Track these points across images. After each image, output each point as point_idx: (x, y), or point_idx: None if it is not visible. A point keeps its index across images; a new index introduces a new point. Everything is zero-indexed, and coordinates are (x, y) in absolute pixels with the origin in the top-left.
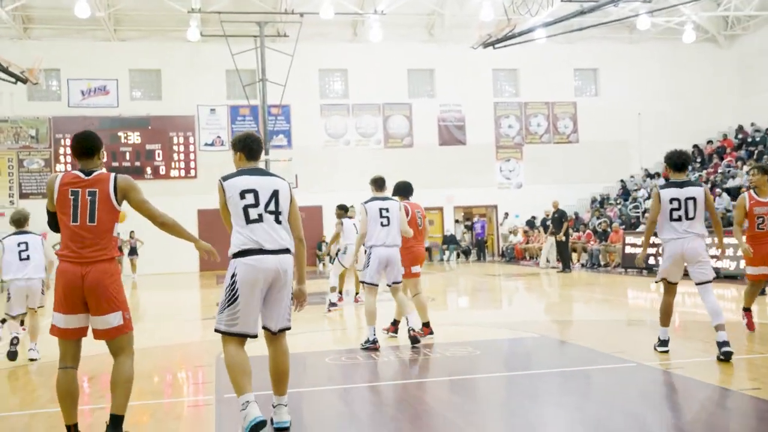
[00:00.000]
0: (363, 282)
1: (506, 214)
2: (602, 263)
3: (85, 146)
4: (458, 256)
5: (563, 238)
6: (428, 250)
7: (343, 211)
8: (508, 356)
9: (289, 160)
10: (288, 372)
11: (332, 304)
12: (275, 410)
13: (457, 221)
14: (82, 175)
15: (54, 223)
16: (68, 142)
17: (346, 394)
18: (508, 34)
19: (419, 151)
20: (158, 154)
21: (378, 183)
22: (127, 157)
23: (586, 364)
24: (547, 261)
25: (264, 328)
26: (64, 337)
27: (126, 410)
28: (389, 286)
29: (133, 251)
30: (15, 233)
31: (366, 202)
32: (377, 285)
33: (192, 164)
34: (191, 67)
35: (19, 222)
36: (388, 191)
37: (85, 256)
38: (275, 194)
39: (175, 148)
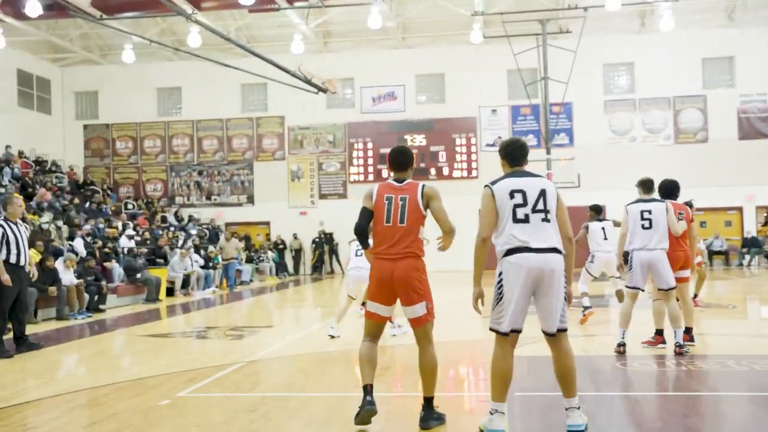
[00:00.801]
0: (627, 287)
1: None
2: None
3: (400, 160)
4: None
5: None
6: (724, 253)
7: (595, 212)
8: None
9: (571, 158)
10: (573, 374)
11: (586, 308)
12: (567, 413)
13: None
14: (395, 183)
15: (363, 220)
16: (360, 145)
17: (641, 401)
18: None
19: (715, 146)
20: (441, 155)
21: (645, 185)
22: None
23: None
24: None
25: (542, 331)
26: (373, 319)
27: (434, 390)
28: (660, 290)
29: None
30: None
31: (629, 204)
32: (640, 290)
33: (474, 164)
34: (473, 69)
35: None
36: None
37: (395, 253)
38: (542, 194)
39: (458, 149)
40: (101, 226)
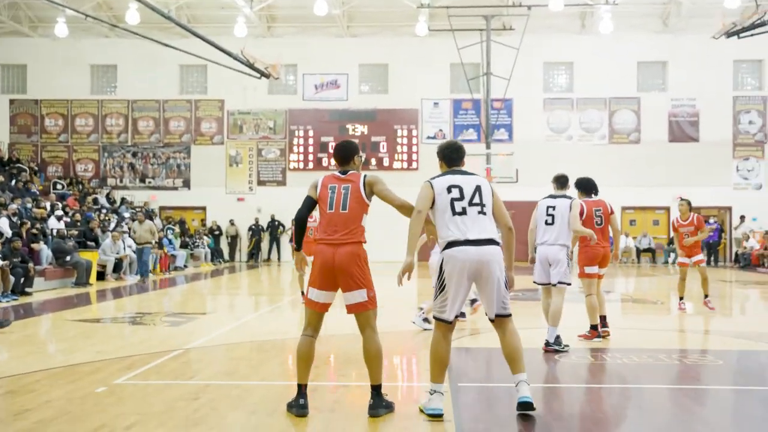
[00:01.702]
0: (534, 282)
1: (742, 218)
2: None
3: (342, 154)
4: None
5: None
6: (651, 251)
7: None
8: (755, 369)
9: (510, 154)
10: (519, 350)
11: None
12: (517, 388)
13: None
14: (339, 174)
15: (305, 208)
16: (301, 133)
17: (580, 394)
18: (756, 21)
19: (647, 147)
20: (383, 146)
21: (559, 181)
22: None
23: None
24: None
25: (488, 317)
26: (313, 308)
27: (381, 380)
28: (553, 286)
29: None
30: None
31: (541, 199)
32: (548, 284)
33: (414, 156)
34: (417, 61)
35: None
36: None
37: (337, 239)
38: (478, 189)
39: (399, 140)
40: (29, 206)
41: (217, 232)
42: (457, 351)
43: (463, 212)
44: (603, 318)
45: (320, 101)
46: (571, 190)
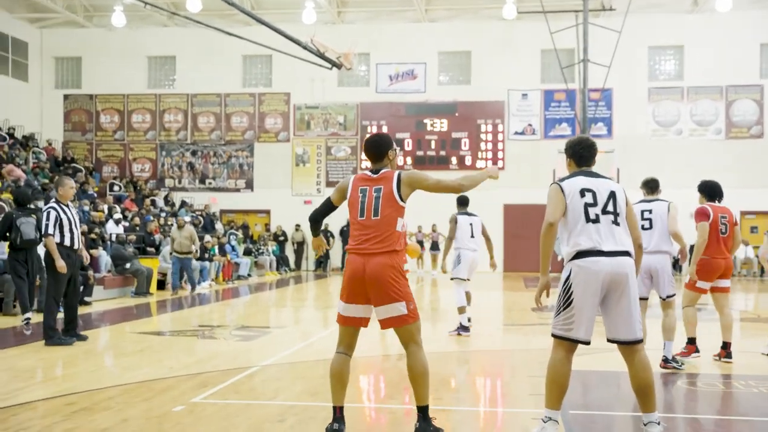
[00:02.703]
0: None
1: None
2: None
3: (374, 150)
4: None
5: None
6: None
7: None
8: None
9: (610, 151)
10: (650, 387)
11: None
12: (647, 429)
13: None
14: (370, 174)
15: (320, 211)
16: (374, 129)
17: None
18: None
19: None
20: (464, 143)
21: (648, 185)
22: (432, 146)
23: None
24: None
25: (612, 340)
26: (343, 323)
27: (428, 399)
28: (663, 300)
29: (434, 246)
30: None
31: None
32: (645, 299)
33: (500, 154)
34: (503, 47)
35: None
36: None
37: (368, 249)
38: (612, 195)
39: (483, 136)
40: (86, 208)
41: (282, 238)
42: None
43: (597, 220)
44: (727, 344)
45: (395, 93)
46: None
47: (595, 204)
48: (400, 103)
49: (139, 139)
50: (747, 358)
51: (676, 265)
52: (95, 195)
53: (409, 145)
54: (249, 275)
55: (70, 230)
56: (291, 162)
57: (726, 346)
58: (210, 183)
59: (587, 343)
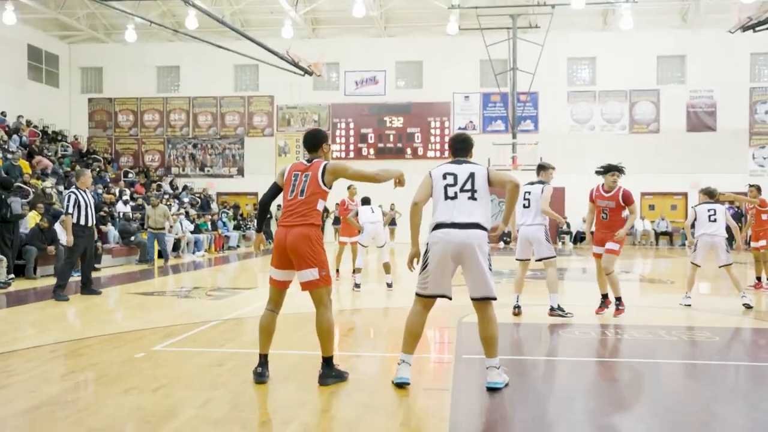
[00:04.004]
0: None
1: None
2: None
3: (308, 142)
4: None
5: None
6: (669, 234)
7: (707, 195)
8: (751, 345)
9: (536, 143)
10: (494, 337)
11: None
12: (487, 372)
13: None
14: (305, 162)
15: (269, 193)
16: (343, 125)
17: (575, 367)
18: None
19: (665, 136)
20: (417, 136)
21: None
22: (391, 139)
23: None
24: None
25: (471, 298)
26: (274, 285)
27: (332, 352)
28: (538, 261)
29: (392, 222)
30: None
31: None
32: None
33: (446, 146)
34: (449, 58)
35: None
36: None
37: (291, 222)
38: (471, 176)
39: (432, 131)
40: (99, 191)
41: (268, 216)
42: (469, 326)
43: (454, 197)
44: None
45: (360, 96)
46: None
47: (454, 184)
48: (365, 104)
49: (150, 135)
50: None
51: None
52: (108, 180)
53: (371, 139)
54: (238, 246)
55: (86, 212)
56: (275, 153)
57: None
58: (208, 170)
59: (434, 297)
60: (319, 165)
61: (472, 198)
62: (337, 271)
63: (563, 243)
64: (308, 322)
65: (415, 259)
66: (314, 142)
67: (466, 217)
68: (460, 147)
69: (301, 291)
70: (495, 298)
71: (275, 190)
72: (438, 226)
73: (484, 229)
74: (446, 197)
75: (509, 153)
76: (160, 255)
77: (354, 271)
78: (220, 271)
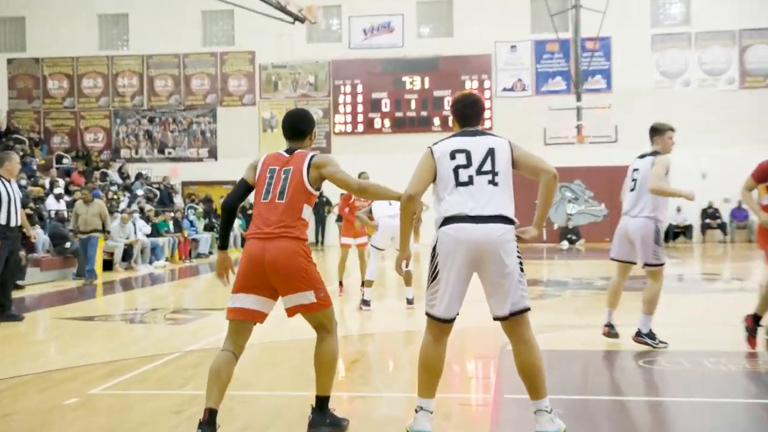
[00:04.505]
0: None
1: None
2: None
3: (291, 126)
4: None
5: None
6: None
7: None
8: None
9: (608, 107)
10: (538, 368)
11: None
12: (536, 418)
13: None
14: (284, 153)
15: (235, 194)
16: (348, 89)
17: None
18: None
19: None
20: (448, 101)
21: (653, 131)
22: (412, 106)
23: None
24: None
25: (495, 318)
26: (236, 316)
27: (329, 391)
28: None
29: None
30: None
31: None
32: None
33: (487, 114)
34: None
35: None
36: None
37: (269, 233)
38: (491, 153)
39: None
40: (24, 183)
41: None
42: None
43: (469, 182)
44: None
45: (370, 49)
46: None
47: (468, 165)
48: (376, 60)
49: (91, 107)
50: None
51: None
52: (35, 168)
53: (386, 106)
54: (210, 253)
55: (8, 208)
56: (258, 127)
57: None
58: (170, 153)
59: (446, 321)
60: (303, 157)
61: (493, 183)
62: (340, 284)
63: None
64: (292, 350)
65: (405, 262)
66: (299, 125)
67: (487, 207)
68: (471, 112)
69: (287, 317)
70: (529, 308)
71: (244, 189)
72: (447, 221)
73: (511, 222)
74: (458, 183)
75: (572, 121)
76: (107, 265)
77: (363, 284)
78: (186, 287)
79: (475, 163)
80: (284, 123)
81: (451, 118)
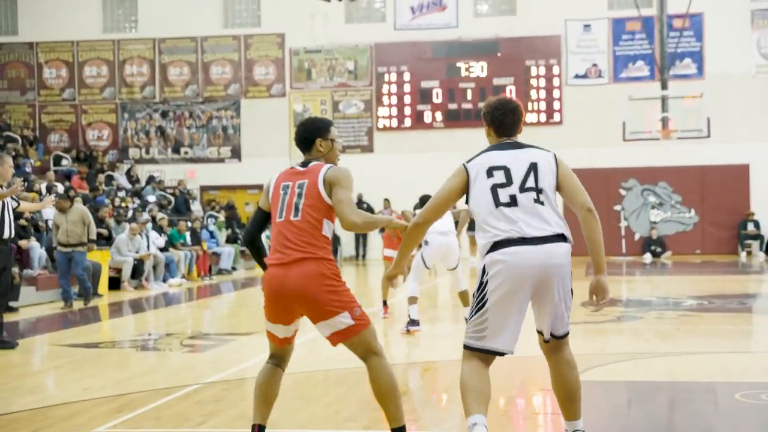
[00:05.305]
0: None
1: None
2: None
3: (305, 135)
4: None
5: None
6: None
7: None
8: None
9: (699, 96)
10: (579, 389)
11: None
12: None
13: None
14: (298, 167)
15: (253, 225)
16: (394, 77)
17: None
18: None
19: None
20: (510, 90)
21: None
22: (469, 97)
23: None
24: None
25: (539, 332)
26: (272, 341)
27: (403, 419)
28: None
29: (471, 225)
30: None
31: None
32: None
33: (556, 105)
34: None
35: None
36: None
37: (288, 258)
38: (533, 168)
39: (533, 82)
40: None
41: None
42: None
43: (512, 202)
44: None
45: (419, 30)
46: None
47: (508, 183)
48: (426, 43)
49: (95, 99)
50: None
51: None
52: (29, 171)
53: (438, 97)
54: (234, 269)
55: (1, 218)
56: (288, 123)
57: None
58: (186, 152)
59: (504, 354)
60: (318, 169)
61: (538, 201)
62: (385, 303)
63: (748, 253)
64: (327, 382)
65: (392, 279)
66: (304, 134)
67: (542, 227)
68: (510, 121)
69: (331, 345)
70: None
71: (261, 218)
72: (498, 246)
73: (569, 241)
74: (497, 204)
75: (657, 113)
76: (114, 284)
77: (409, 302)
78: (205, 308)
79: (516, 180)
80: (296, 132)
81: (485, 128)
